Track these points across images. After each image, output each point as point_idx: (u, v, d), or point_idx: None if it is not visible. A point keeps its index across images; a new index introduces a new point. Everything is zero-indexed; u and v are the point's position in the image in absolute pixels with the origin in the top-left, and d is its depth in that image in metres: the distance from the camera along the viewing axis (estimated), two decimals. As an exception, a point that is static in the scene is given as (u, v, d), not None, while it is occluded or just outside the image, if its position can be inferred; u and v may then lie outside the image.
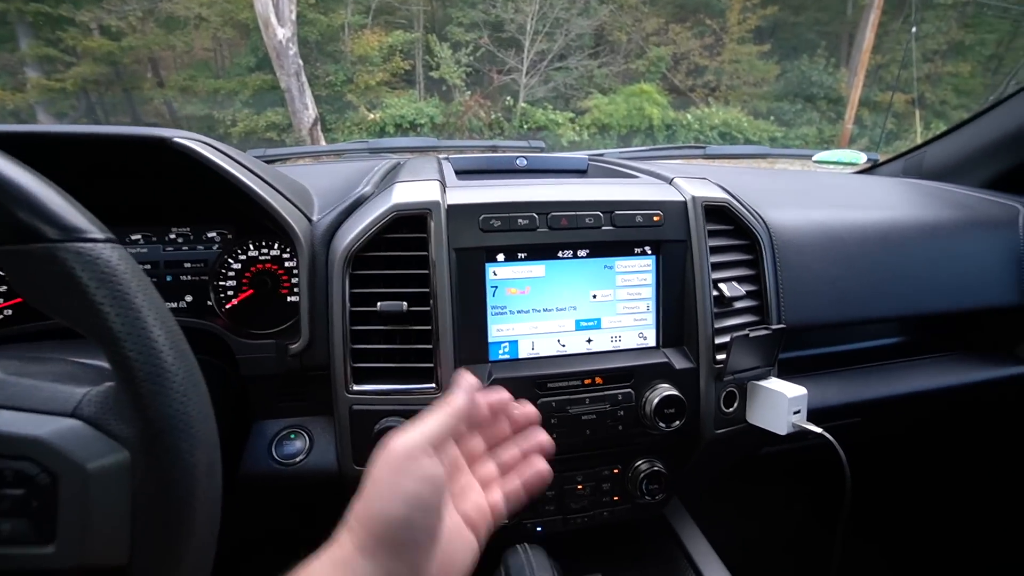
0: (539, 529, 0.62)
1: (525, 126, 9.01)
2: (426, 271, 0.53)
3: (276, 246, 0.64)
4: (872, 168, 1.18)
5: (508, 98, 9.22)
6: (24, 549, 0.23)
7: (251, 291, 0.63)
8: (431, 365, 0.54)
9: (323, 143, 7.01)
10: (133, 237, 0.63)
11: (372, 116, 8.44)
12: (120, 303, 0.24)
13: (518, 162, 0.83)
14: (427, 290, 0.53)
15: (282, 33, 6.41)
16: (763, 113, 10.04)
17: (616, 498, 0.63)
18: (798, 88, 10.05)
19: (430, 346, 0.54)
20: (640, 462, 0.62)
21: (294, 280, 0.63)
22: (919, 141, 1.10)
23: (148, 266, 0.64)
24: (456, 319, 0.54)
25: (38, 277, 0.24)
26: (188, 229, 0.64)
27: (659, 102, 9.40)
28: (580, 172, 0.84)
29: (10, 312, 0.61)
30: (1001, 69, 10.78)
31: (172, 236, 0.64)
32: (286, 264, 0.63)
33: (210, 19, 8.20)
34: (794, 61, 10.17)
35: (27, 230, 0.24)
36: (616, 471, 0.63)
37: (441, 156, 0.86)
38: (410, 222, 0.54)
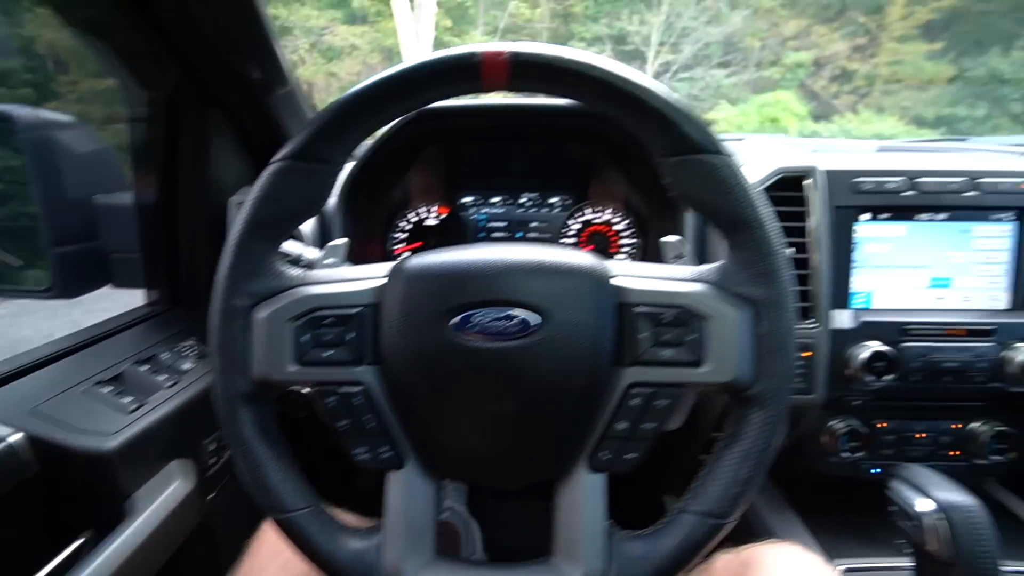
0: (873, 471, 0.66)
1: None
2: (801, 224, 0.59)
3: (609, 211, 0.76)
4: None
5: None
6: (683, 370, 0.34)
7: (591, 246, 0.76)
8: (810, 304, 0.59)
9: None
10: (492, 199, 0.79)
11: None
12: (747, 197, 0.34)
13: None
14: (803, 240, 0.59)
15: (422, 55, 7.02)
16: (930, 121, 8.68)
17: (954, 452, 0.66)
18: (982, 90, 8.53)
19: (809, 288, 0.59)
20: (978, 423, 0.64)
21: (621, 241, 0.77)
22: None
23: (504, 223, 0.79)
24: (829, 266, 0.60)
25: (694, 179, 0.34)
26: (537, 194, 0.78)
27: (796, 112, 8.61)
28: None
29: None
30: None
31: (523, 200, 0.78)
32: (614, 227, 0.76)
33: (360, 47, 9.27)
34: (977, 58, 8.65)
35: (692, 145, 0.34)
36: (956, 426, 0.65)
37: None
38: (790, 183, 0.61)
